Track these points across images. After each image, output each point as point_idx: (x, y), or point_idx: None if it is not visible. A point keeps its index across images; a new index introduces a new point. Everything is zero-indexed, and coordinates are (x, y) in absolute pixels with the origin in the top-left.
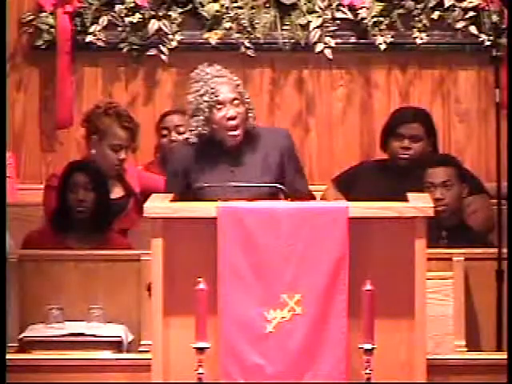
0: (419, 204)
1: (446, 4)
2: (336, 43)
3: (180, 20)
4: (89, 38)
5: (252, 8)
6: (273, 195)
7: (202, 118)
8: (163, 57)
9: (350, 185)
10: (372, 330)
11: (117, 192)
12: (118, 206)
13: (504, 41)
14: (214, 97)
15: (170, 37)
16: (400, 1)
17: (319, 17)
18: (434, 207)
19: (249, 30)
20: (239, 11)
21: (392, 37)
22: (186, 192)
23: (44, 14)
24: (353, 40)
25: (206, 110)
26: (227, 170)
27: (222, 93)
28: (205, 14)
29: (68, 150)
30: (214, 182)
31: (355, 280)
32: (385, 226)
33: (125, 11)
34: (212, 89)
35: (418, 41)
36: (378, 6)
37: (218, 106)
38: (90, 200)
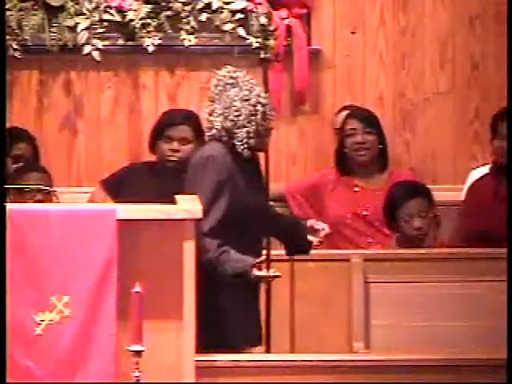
0: (188, 206)
1: (214, 6)
2: (104, 45)
3: None
4: None
5: (20, 10)
6: None
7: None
8: None
9: (118, 187)
10: (140, 332)
11: None
12: None
13: (272, 43)
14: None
15: None
16: (168, 3)
17: (87, 19)
18: None
19: (17, 32)
20: (7, 13)
21: (160, 39)
22: None
23: None
24: (121, 42)
25: (259, 120)
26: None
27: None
28: None
29: None
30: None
31: (125, 282)
32: (154, 227)
33: None
34: (262, 98)
35: (186, 43)
36: (146, 8)
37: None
38: None
